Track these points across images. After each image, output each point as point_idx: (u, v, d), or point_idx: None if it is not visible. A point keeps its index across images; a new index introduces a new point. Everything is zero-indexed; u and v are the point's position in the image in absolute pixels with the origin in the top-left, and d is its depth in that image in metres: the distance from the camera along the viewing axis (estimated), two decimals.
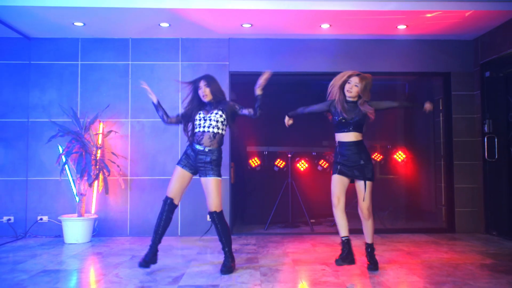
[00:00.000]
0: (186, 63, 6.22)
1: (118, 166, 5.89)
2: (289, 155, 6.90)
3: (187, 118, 4.19)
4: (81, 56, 6.21)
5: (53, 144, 5.91)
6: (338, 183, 4.10)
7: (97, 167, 5.72)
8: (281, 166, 7.08)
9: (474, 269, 4.07)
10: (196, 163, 4.05)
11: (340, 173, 4.09)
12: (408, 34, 6.12)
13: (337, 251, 4.86)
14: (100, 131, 6.01)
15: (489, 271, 3.98)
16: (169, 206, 4.07)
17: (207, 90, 4.10)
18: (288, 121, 4.49)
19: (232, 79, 6.32)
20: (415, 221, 7.16)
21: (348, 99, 4.16)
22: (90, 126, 5.85)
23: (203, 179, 4.04)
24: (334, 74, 6.28)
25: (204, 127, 4.05)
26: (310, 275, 3.91)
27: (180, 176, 4.09)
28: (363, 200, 4.11)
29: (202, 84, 4.12)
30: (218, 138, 4.09)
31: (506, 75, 5.96)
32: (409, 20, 5.57)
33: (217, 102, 4.15)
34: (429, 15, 5.37)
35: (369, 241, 4.19)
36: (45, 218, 5.99)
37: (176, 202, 4.10)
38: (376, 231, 6.15)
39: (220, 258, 4.53)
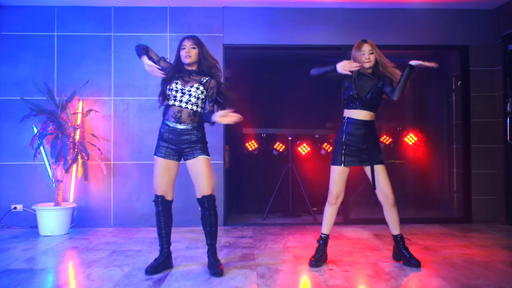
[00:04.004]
0: (175, 34, 5.57)
1: (99, 149, 5.28)
2: (290, 138, 6.29)
3: (164, 83, 3.48)
4: (57, 27, 5.55)
5: (28, 125, 5.31)
6: (340, 178, 3.62)
7: (75, 150, 5.11)
8: (280, 150, 6.47)
9: (506, 268, 3.50)
10: (180, 145, 3.42)
11: (347, 163, 3.57)
12: (423, 2, 5.49)
13: (344, 245, 4.36)
14: (79, 110, 5.40)
15: None
16: (162, 206, 3.49)
17: (193, 52, 3.44)
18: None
19: (226, 53, 5.69)
20: (426, 210, 6.60)
21: (366, 71, 3.59)
22: (67, 105, 5.23)
23: (190, 161, 3.42)
24: (339, 48, 5.79)
25: (181, 101, 3.40)
26: (315, 276, 3.34)
27: (164, 168, 3.45)
28: (385, 186, 3.63)
29: (187, 43, 3.45)
30: (198, 116, 3.47)
31: None
32: None
33: (203, 73, 3.48)
34: None
35: (397, 231, 3.69)
36: (19, 207, 5.40)
37: (169, 197, 3.51)
38: (385, 221, 5.62)
39: None
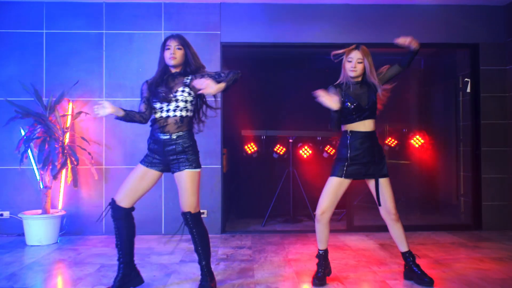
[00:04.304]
0: (170, 32, 5.24)
1: (89, 153, 5.01)
2: (291, 140, 6.01)
3: (149, 90, 3.18)
4: (46, 24, 5.27)
5: (15, 127, 5.04)
6: (336, 190, 3.31)
7: (64, 155, 4.83)
8: (281, 153, 6.18)
9: None
10: (166, 157, 3.13)
11: (348, 176, 3.28)
12: None
13: (349, 257, 4.09)
14: (69, 112, 5.12)
15: None
16: (114, 211, 3.12)
17: (179, 53, 3.13)
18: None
19: (224, 51, 5.40)
20: (432, 214, 6.33)
21: (354, 79, 3.34)
22: (56, 106, 4.95)
23: (176, 174, 3.11)
24: (342, 46, 5.47)
25: (168, 110, 3.09)
26: None
27: (140, 175, 3.14)
28: (388, 201, 3.30)
29: (172, 43, 3.13)
30: (186, 122, 3.14)
31: None
32: None
33: (187, 73, 3.16)
34: None
35: (405, 248, 3.41)
36: (6, 214, 5.13)
37: (123, 205, 3.12)
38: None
39: None
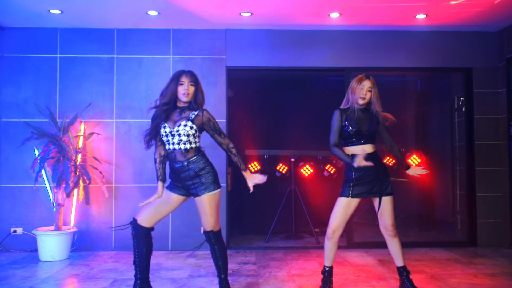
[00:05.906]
0: (177, 56, 5.56)
1: (100, 172, 5.23)
2: (292, 159, 6.24)
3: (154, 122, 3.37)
4: (60, 49, 5.53)
5: (29, 147, 5.26)
6: (345, 210, 3.55)
7: (76, 174, 5.06)
8: (283, 172, 6.41)
9: None
10: (183, 182, 3.33)
11: (355, 195, 3.51)
12: (427, 25, 5.47)
13: (349, 273, 4.29)
14: (81, 133, 5.35)
15: None
16: (135, 230, 3.32)
17: (191, 89, 3.33)
18: None
19: (229, 75, 5.66)
20: (429, 231, 6.52)
21: (359, 107, 3.58)
22: (69, 128, 5.18)
23: (196, 199, 3.31)
24: (342, 70, 5.78)
25: (173, 143, 3.29)
26: None
27: (163, 199, 3.36)
28: (387, 217, 3.57)
29: (185, 79, 3.31)
30: (193, 150, 3.32)
31: None
32: (430, 8, 4.92)
33: (193, 108, 3.35)
34: (453, 2, 4.72)
35: (401, 263, 3.62)
36: (19, 230, 5.34)
37: (144, 224, 3.33)
38: None
39: (216, 284, 3.90)
